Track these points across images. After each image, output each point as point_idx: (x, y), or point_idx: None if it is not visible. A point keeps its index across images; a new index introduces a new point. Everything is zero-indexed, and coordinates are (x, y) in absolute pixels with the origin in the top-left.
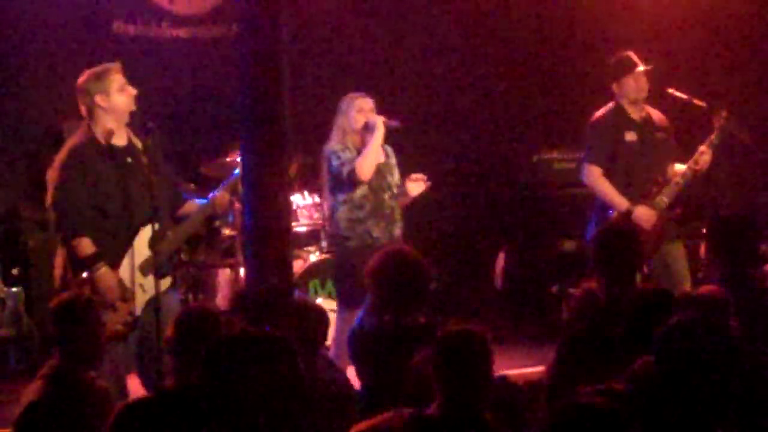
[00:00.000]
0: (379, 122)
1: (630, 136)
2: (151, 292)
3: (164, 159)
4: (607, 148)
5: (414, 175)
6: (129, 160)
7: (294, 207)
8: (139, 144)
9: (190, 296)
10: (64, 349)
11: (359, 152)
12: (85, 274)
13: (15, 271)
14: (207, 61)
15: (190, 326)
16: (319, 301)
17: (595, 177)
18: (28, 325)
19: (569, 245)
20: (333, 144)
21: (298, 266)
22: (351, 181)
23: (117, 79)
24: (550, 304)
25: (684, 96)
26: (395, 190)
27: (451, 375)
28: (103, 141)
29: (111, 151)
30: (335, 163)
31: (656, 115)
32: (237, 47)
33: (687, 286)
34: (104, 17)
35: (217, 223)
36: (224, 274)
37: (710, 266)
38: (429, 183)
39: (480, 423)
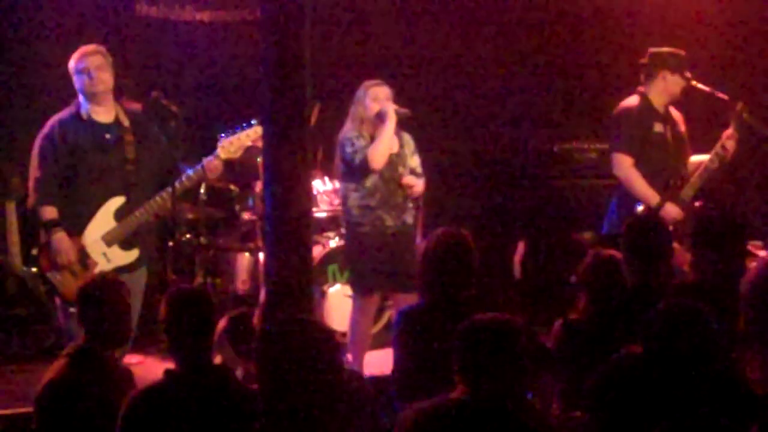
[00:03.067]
0: (391, 111)
1: (658, 127)
2: (116, 262)
3: (160, 140)
4: (637, 137)
5: (404, 180)
6: (108, 136)
7: (314, 192)
8: (126, 122)
9: (209, 280)
10: (89, 330)
11: (373, 140)
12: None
13: (34, 251)
14: (229, 44)
15: (182, 306)
16: (338, 287)
17: (626, 167)
18: (47, 304)
19: (588, 235)
20: (348, 131)
21: (317, 252)
22: (363, 169)
23: (92, 61)
24: (569, 295)
25: (707, 88)
26: (404, 182)
27: (478, 366)
28: (85, 116)
29: (90, 126)
30: (348, 150)
31: (674, 110)
32: (259, 30)
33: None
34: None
35: (237, 207)
36: (243, 259)
37: (696, 262)
38: (418, 191)
39: (516, 411)
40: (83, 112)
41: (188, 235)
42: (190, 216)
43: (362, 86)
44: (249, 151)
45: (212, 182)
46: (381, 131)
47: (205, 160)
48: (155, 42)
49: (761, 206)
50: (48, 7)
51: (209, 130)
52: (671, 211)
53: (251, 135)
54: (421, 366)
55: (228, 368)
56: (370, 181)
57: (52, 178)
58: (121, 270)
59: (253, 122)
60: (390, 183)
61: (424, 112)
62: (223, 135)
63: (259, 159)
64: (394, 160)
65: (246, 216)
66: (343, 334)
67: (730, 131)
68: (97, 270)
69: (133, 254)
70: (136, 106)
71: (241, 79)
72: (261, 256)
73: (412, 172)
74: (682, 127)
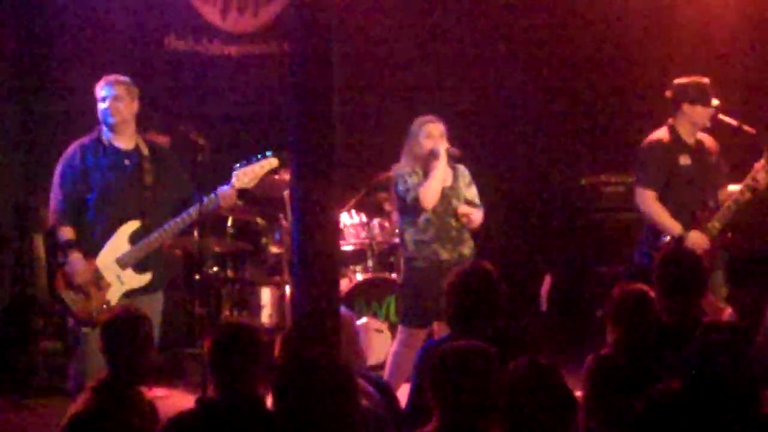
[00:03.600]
0: (442, 150)
1: (684, 160)
2: (129, 284)
3: (180, 172)
4: (662, 172)
5: (460, 209)
6: (127, 162)
7: (341, 226)
8: (146, 151)
9: (235, 313)
10: (113, 364)
11: (426, 176)
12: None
13: None
14: (257, 77)
15: (227, 340)
16: (364, 320)
17: (649, 201)
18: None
19: (616, 269)
20: (401, 167)
21: (344, 285)
22: (415, 207)
23: (111, 90)
24: (596, 328)
25: (734, 122)
26: (461, 211)
27: (446, 393)
28: (106, 142)
29: (111, 151)
30: (401, 187)
31: (707, 139)
32: (287, 64)
33: (724, 314)
34: (156, 33)
35: (264, 240)
36: (270, 292)
37: (659, 299)
38: (474, 219)
39: None
40: (104, 138)
41: (215, 268)
42: (217, 249)
43: (417, 122)
44: (276, 184)
45: (227, 212)
46: (432, 171)
47: (219, 190)
48: (184, 75)
49: None
50: (80, 41)
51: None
52: (696, 240)
53: (265, 166)
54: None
55: (260, 398)
56: (423, 217)
57: (70, 200)
58: (134, 292)
59: (267, 153)
60: (444, 217)
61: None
62: (237, 165)
63: (286, 192)
64: (448, 194)
65: (273, 249)
66: (370, 368)
67: (762, 163)
68: (110, 291)
69: (146, 277)
70: (164, 140)
71: (269, 111)
72: (287, 289)
73: (469, 203)
74: (714, 158)
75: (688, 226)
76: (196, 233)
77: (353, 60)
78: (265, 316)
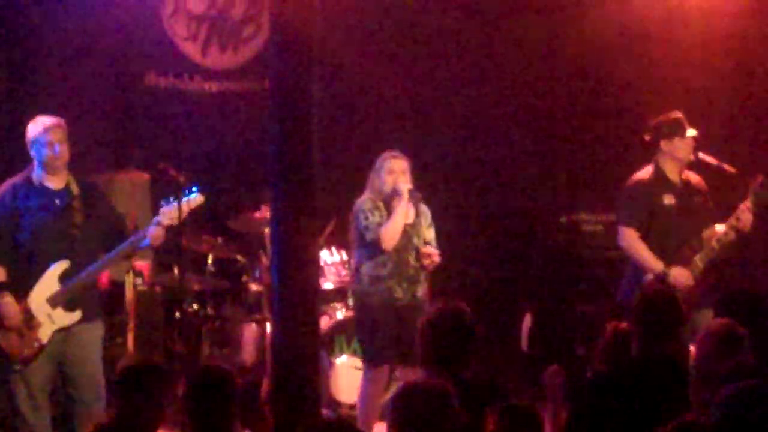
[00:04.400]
0: (404, 190)
1: (668, 200)
2: (60, 323)
3: (110, 208)
4: (644, 211)
5: (424, 249)
6: (57, 201)
7: (321, 263)
8: (76, 190)
9: (215, 351)
10: (119, 414)
11: (389, 213)
12: None
13: None
14: (238, 114)
15: (202, 386)
16: (344, 358)
17: (630, 239)
18: None
19: (596, 308)
20: (363, 201)
21: (324, 323)
22: (374, 246)
23: (56, 134)
24: (577, 367)
25: (714, 161)
26: (424, 251)
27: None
28: (37, 182)
29: (41, 191)
30: (362, 223)
31: (694, 178)
32: (268, 101)
33: None
34: (137, 69)
35: (244, 278)
36: (250, 330)
37: (634, 339)
38: (436, 261)
39: None
40: (35, 178)
41: (195, 306)
42: (196, 287)
43: (381, 156)
44: (256, 221)
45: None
46: (394, 211)
47: (147, 229)
48: (164, 111)
49: None
50: (59, 77)
51: (217, 199)
52: (679, 276)
53: (191, 203)
54: None
55: None
56: (384, 252)
57: (1, 240)
58: (66, 328)
59: (194, 189)
60: (403, 253)
61: (428, 180)
62: (163, 203)
63: (266, 229)
64: (409, 231)
65: (253, 287)
66: (351, 406)
67: (747, 204)
68: (41, 330)
69: (76, 315)
70: (143, 177)
71: (249, 148)
72: (268, 327)
73: (428, 243)
74: (700, 197)
75: (670, 264)
76: (176, 270)
77: (333, 97)
78: (246, 354)
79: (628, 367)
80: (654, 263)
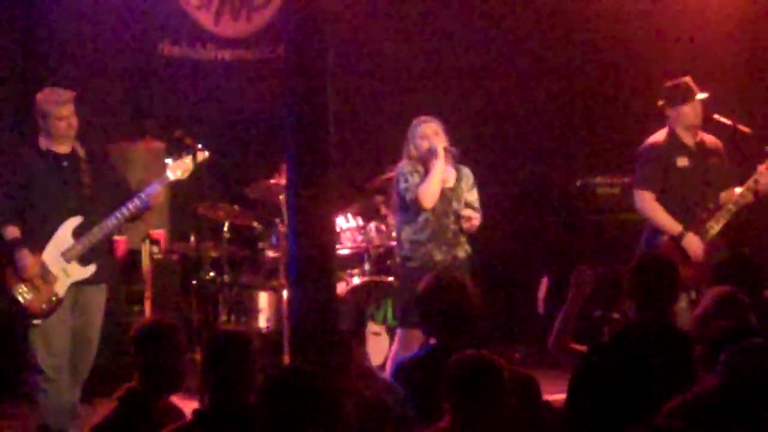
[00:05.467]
0: (440, 149)
1: (682, 162)
2: (74, 276)
3: (115, 172)
4: (660, 173)
5: (464, 212)
6: (65, 163)
7: (337, 229)
8: (82, 153)
9: (232, 318)
10: (142, 374)
11: (427, 174)
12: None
13: None
14: (251, 82)
15: (220, 350)
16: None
17: (647, 202)
18: None
19: (613, 271)
20: (403, 165)
21: (341, 289)
22: (414, 207)
23: (70, 108)
24: (593, 330)
25: (729, 122)
26: (464, 214)
27: (459, 398)
28: (44, 148)
29: (48, 155)
30: (402, 186)
31: (710, 140)
32: (282, 68)
33: None
34: (150, 39)
35: (260, 244)
36: (267, 296)
37: (629, 303)
38: (475, 224)
39: None
40: (42, 144)
41: (212, 274)
42: (213, 254)
43: (412, 124)
44: (272, 188)
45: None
46: (431, 170)
47: (151, 187)
48: (178, 80)
49: None
50: (74, 49)
51: (233, 167)
52: (692, 243)
53: (198, 157)
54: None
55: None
56: (421, 217)
57: (12, 200)
58: (80, 284)
59: (199, 145)
60: (442, 218)
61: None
62: (169, 160)
63: (282, 196)
64: (448, 195)
65: (270, 254)
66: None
67: (765, 165)
68: (57, 284)
69: (90, 269)
70: (159, 146)
71: (264, 116)
72: (285, 293)
73: (469, 206)
74: (716, 159)
75: (686, 227)
76: (192, 238)
77: (351, 64)
78: (263, 321)
79: (625, 334)
80: (671, 225)
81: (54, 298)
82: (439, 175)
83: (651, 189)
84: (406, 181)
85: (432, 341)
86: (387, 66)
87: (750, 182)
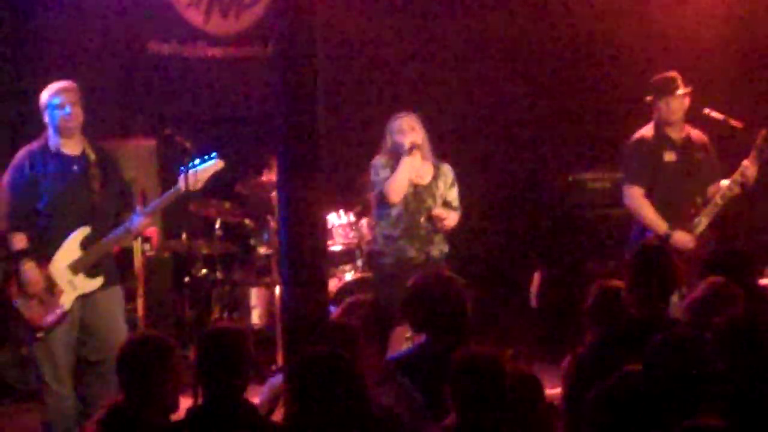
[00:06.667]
0: (406, 144)
1: (669, 156)
2: (81, 289)
3: (121, 178)
4: (647, 168)
5: (434, 212)
6: (75, 167)
7: (329, 226)
8: (93, 156)
9: (225, 315)
10: (128, 394)
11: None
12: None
13: None
14: (241, 79)
15: (213, 347)
16: None
17: (635, 198)
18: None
19: (604, 265)
20: (378, 158)
21: (333, 285)
22: (383, 201)
23: (69, 96)
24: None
25: (720, 116)
26: (435, 213)
27: (465, 396)
28: (53, 149)
29: (58, 158)
30: (373, 178)
31: (696, 135)
32: (272, 66)
33: None
34: (140, 37)
35: (252, 241)
36: (259, 293)
37: (630, 293)
38: (447, 225)
39: None
40: (52, 145)
41: (204, 271)
42: (205, 251)
43: (391, 118)
44: (263, 185)
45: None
46: (398, 166)
47: (159, 200)
48: (168, 78)
49: None
50: (63, 46)
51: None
52: (681, 239)
53: (209, 168)
54: None
55: (251, 403)
56: (395, 211)
57: (21, 207)
58: (88, 294)
59: (213, 155)
60: (415, 214)
61: (437, 143)
62: (183, 168)
63: (273, 193)
64: (422, 192)
65: (261, 250)
66: None
67: (751, 158)
68: (63, 296)
69: (98, 281)
70: (149, 143)
71: (254, 113)
72: (277, 290)
73: (447, 204)
74: (702, 154)
75: (674, 222)
76: (184, 236)
77: (339, 61)
78: (256, 317)
79: (626, 329)
80: (657, 224)
81: (59, 311)
82: (406, 171)
83: (639, 184)
84: (377, 174)
85: (421, 338)
86: (379, 61)
87: (736, 175)
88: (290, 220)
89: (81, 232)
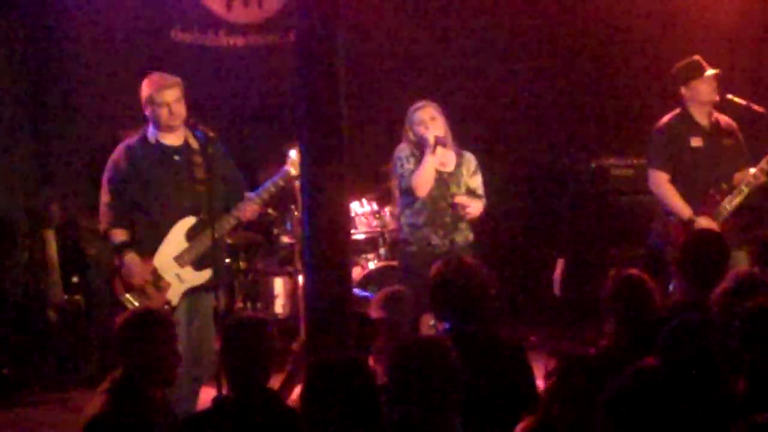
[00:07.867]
0: (430, 137)
1: (696, 142)
2: (189, 282)
3: (228, 163)
4: (673, 154)
5: (457, 199)
6: (176, 158)
7: (352, 214)
8: (195, 145)
9: (248, 304)
10: (128, 366)
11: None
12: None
13: (75, 279)
14: (263, 68)
15: (239, 335)
16: None
17: (660, 183)
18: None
19: (628, 251)
20: (401, 149)
21: (356, 273)
22: (409, 192)
23: (172, 94)
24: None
25: (743, 102)
26: (457, 201)
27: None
28: (153, 140)
29: (159, 149)
30: (399, 171)
31: (725, 120)
32: (294, 54)
33: None
34: (162, 25)
35: (275, 231)
36: (282, 282)
37: (679, 284)
38: (471, 213)
39: None
40: (150, 136)
41: (227, 260)
42: (229, 241)
43: (410, 109)
44: None
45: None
46: (423, 159)
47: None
48: (190, 67)
49: None
50: (86, 36)
51: (245, 154)
52: (704, 225)
53: (288, 180)
54: None
55: (275, 392)
56: (419, 200)
57: (121, 201)
58: (195, 290)
59: (285, 169)
60: (439, 201)
61: (459, 131)
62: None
63: (296, 182)
64: (446, 179)
65: (284, 239)
66: None
67: None
68: (170, 291)
69: (205, 274)
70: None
71: (277, 102)
72: (300, 279)
73: (471, 192)
74: (730, 140)
75: (699, 207)
76: None
77: (361, 49)
78: (279, 307)
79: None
80: (682, 209)
81: (166, 306)
82: (431, 166)
83: (665, 169)
84: (402, 166)
85: (445, 325)
86: (401, 49)
87: (763, 163)
88: (313, 209)
89: (186, 223)
